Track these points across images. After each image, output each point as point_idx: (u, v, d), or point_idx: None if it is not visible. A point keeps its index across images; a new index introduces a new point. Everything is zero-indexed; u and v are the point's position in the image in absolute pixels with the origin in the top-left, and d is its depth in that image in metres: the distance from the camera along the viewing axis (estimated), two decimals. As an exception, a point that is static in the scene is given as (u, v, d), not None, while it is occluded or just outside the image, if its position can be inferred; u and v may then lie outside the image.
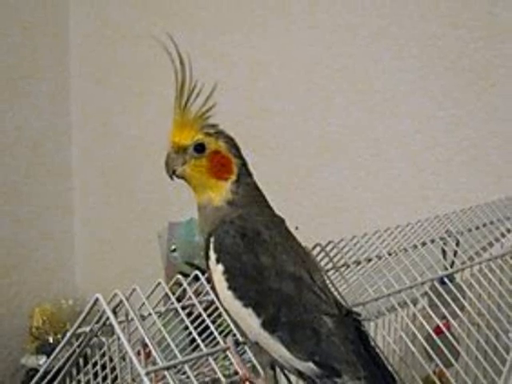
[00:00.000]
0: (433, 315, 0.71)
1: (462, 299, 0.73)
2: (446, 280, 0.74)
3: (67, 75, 1.77)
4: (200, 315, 0.61)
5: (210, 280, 0.57)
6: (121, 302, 0.56)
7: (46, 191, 1.76)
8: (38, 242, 1.75)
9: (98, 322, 0.63)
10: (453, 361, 0.68)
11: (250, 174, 0.60)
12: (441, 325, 0.71)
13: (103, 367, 0.71)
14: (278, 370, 0.56)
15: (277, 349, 0.52)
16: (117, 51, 1.69)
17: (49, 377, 0.70)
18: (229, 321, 0.58)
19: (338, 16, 1.28)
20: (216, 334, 0.59)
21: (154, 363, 0.51)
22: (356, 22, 1.26)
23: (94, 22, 1.74)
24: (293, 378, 0.56)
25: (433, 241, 0.80)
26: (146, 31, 1.55)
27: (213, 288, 0.56)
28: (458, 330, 0.72)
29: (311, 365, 0.51)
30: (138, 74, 1.64)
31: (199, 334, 0.59)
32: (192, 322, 0.60)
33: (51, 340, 1.56)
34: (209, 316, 0.62)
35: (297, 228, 0.66)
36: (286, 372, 0.56)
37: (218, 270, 0.55)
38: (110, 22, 1.70)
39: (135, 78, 1.65)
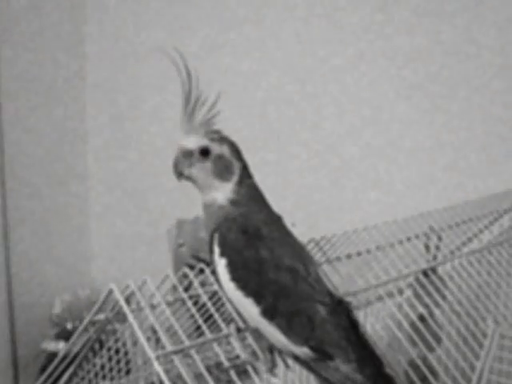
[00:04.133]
0: (417, 304, 0.70)
1: (443, 290, 0.73)
2: (429, 272, 0.74)
3: (84, 86, 1.77)
4: (205, 304, 0.60)
5: (214, 272, 0.57)
6: (133, 292, 0.56)
7: (65, 192, 1.76)
8: (58, 237, 1.75)
9: (112, 310, 0.63)
10: (435, 346, 0.68)
11: (250, 176, 0.59)
12: (424, 313, 0.71)
13: (117, 351, 0.71)
14: (275, 353, 0.55)
15: (275, 335, 0.52)
16: (129, 64, 1.69)
17: (67, 360, 0.70)
18: (231, 309, 0.58)
19: (330, 33, 1.28)
20: (220, 321, 0.59)
21: (163, 348, 0.51)
22: (347, 39, 1.26)
23: (109, 38, 1.74)
24: (289, 361, 0.56)
25: (417, 236, 0.80)
26: (156, 46, 1.54)
27: (217, 279, 0.56)
28: (440, 317, 0.72)
29: (306, 349, 0.51)
30: (148, 85, 1.64)
31: (204, 322, 0.59)
32: (198, 311, 0.60)
33: (70, 327, 1.55)
34: (213, 305, 0.61)
35: (293, 224, 0.66)
36: (284, 355, 0.56)
37: (221, 263, 0.54)
38: (123, 37, 1.70)
39: (146, 88, 1.65)
